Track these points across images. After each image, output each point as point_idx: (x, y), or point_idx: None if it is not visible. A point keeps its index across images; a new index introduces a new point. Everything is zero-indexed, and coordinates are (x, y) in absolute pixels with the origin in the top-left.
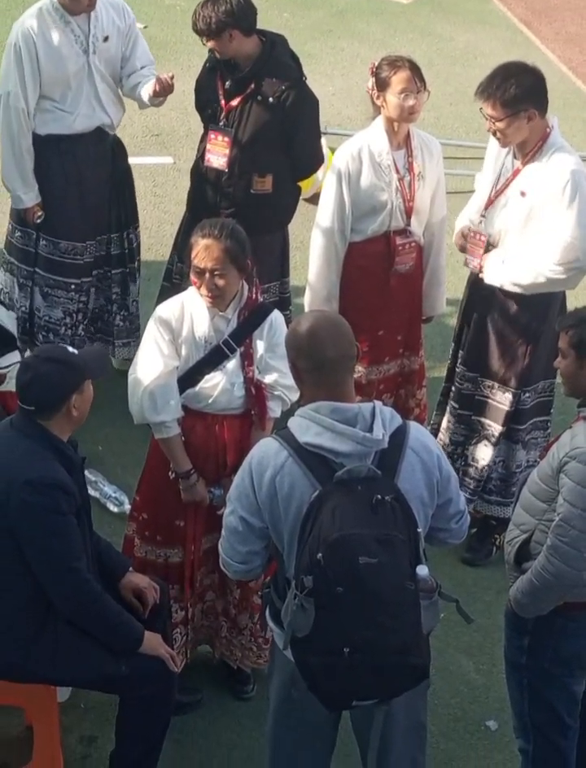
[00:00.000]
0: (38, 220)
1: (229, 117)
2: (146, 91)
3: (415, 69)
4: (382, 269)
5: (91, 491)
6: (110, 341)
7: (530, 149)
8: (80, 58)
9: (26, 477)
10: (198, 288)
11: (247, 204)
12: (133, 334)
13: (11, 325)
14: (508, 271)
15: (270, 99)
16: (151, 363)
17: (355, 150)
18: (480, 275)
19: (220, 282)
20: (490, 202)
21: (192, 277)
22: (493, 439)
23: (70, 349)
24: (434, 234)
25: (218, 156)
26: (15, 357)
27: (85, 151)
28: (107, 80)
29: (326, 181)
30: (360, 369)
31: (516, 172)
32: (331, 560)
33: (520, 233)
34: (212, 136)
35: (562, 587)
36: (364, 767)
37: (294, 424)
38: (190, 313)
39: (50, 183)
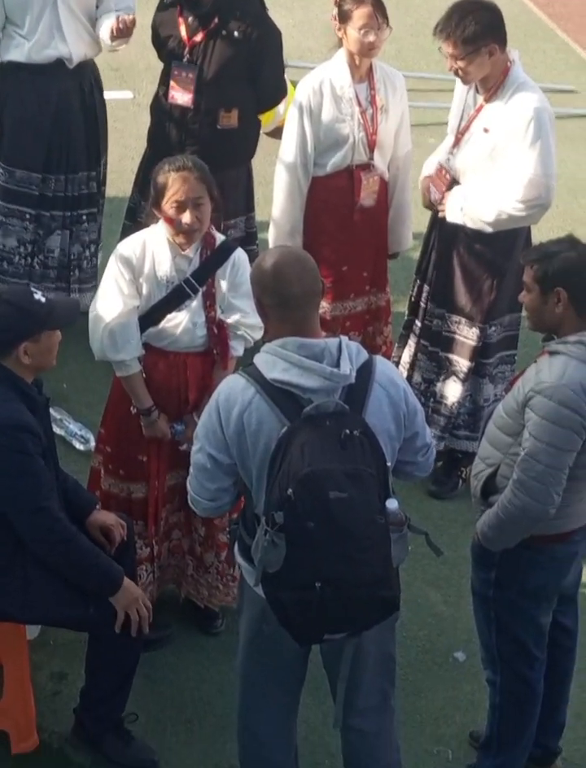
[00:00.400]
0: None
1: (192, 53)
2: (105, 31)
3: (378, 5)
4: (345, 204)
5: (56, 429)
6: (91, 287)
7: (492, 84)
8: None
9: None
10: (175, 225)
11: (213, 140)
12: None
13: None
14: (469, 209)
15: (235, 34)
16: (112, 301)
17: (316, 84)
18: (441, 213)
19: (203, 211)
20: (457, 141)
21: (168, 214)
22: (461, 375)
23: (38, 295)
24: (399, 168)
25: (183, 93)
26: None
27: (46, 82)
28: (76, 14)
29: (288, 116)
30: (324, 305)
31: (479, 109)
32: (302, 495)
33: (484, 170)
34: (176, 72)
35: (528, 521)
36: (334, 699)
37: (260, 360)
38: (151, 252)
39: (8, 110)
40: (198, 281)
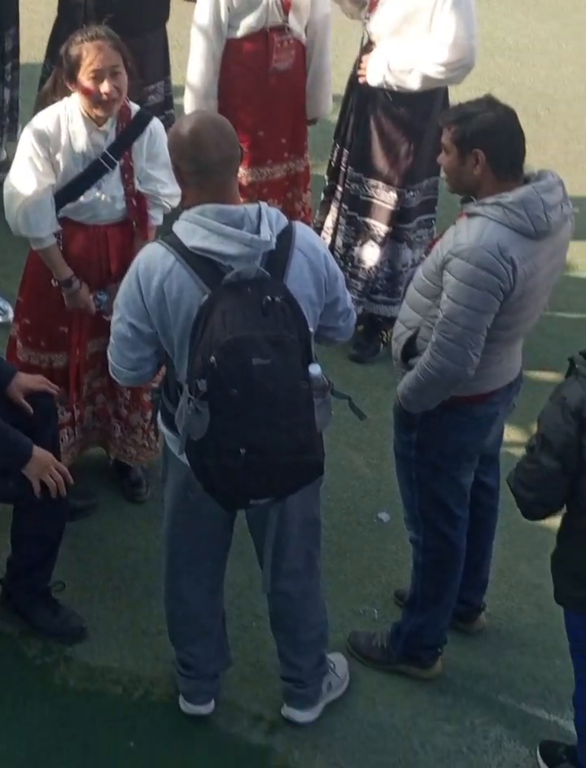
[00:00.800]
0: None
1: None
2: None
3: None
4: (260, 67)
5: None
6: None
7: None
8: None
9: None
10: (93, 96)
11: (130, 4)
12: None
13: None
14: (392, 74)
15: None
16: (26, 179)
17: None
18: (362, 78)
19: (120, 80)
20: (373, 6)
21: (85, 85)
22: (379, 239)
23: None
24: (316, 33)
25: None
26: None
27: None
28: None
29: None
30: (241, 171)
31: None
32: (224, 362)
33: (400, 33)
34: None
35: (446, 382)
36: (260, 563)
37: (179, 228)
38: (66, 127)
39: None
40: (115, 154)
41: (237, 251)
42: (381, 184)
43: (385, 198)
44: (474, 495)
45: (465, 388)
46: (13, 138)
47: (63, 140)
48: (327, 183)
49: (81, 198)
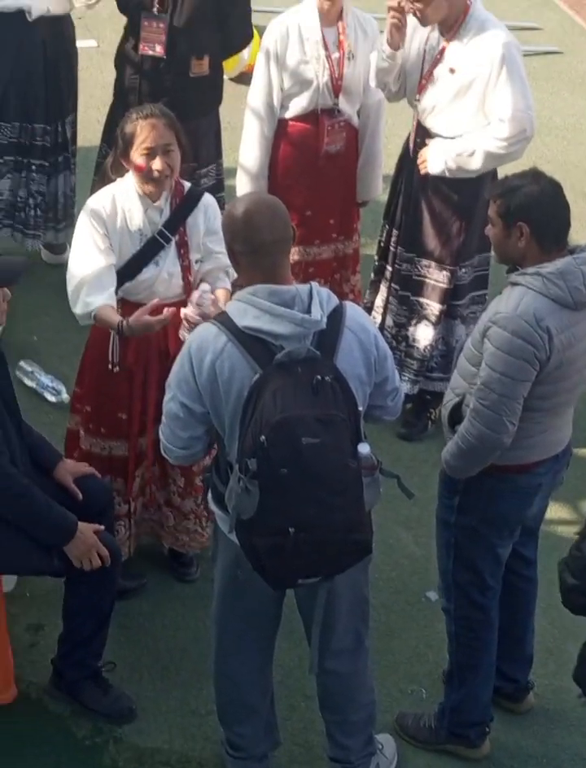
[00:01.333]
0: None
1: (162, 3)
2: None
3: None
4: (310, 148)
5: (28, 382)
6: (31, 234)
7: (453, 24)
8: None
9: None
10: (145, 172)
11: (186, 88)
12: (60, 223)
13: None
14: (453, 160)
15: None
16: (86, 258)
17: (283, 27)
18: (423, 170)
19: (173, 158)
20: (422, 88)
21: (138, 162)
22: (433, 318)
23: None
24: (369, 117)
25: (154, 44)
26: None
27: (4, 32)
28: None
29: (257, 60)
30: None
31: (443, 51)
32: (275, 441)
33: (450, 110)
34: (146, 24)
35: (484, 450)
36: (308, 642)
37: (232, 308)
38: (122, 206)
39: None
40: (171, 230)
41: (288, 331)
42: (433, 263)
43: (437, 277)
44: (510, 566)
45: (508, 456)
46: (72, 224)
47: (120, 218)
48: (376, 263)
49: (139, 276)
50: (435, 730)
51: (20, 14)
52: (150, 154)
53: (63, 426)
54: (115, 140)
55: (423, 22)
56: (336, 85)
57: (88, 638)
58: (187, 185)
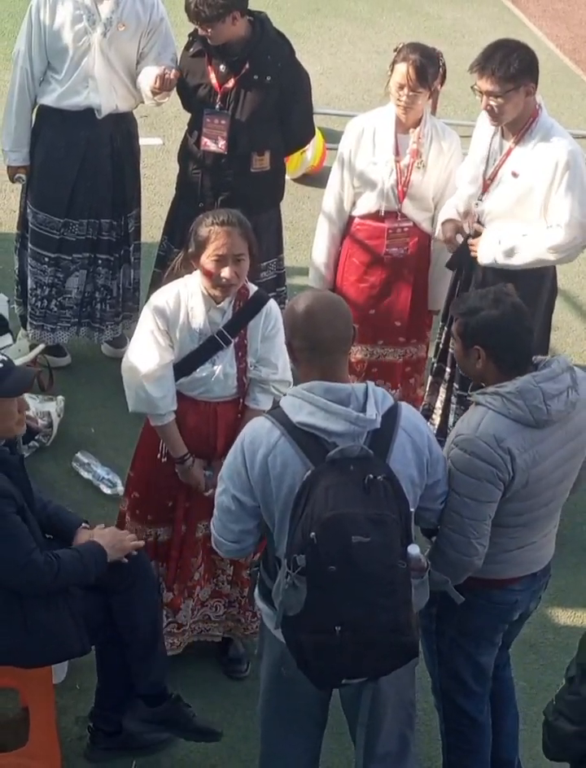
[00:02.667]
0: (17, 182)
1: (224, 100)
2: (147, 84)
3: (420, 67)
4: (373, 249)
5: (84, 473)
6: (97, 327)
7: (521, 127)
8: (86, 36)
9: None
10: (213, 279)
11: (247, 184)
12: (118, 318)
13: (4, 310)
14: (503, 256)
15: (268, 78)
16: (147, 354)
17: (359, 127)
18: (473, 253)
19: (242, 267)
20: (485, 188)
21: (208, 268)
22: None
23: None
24: None
25: (216, 140)
26: (6, 340)
27: (73, 130)
28: (113, 65)
29: (335, 162)
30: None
31: (508, 153)
32: (324, 538)
33: (512, 214)
34: (209, 120)
35: (457, 572)
36: (354, 744)
37: (286, 403)
38: (185, 304)
39: (37, 152)
40: (231, 332)
41: (342, 429)
42: None
43: None
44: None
45: (483, 571)
46: (133, 318)
47: (182, 316)
48: (435, 364)
49: (195, 373)
50: None
51: (89, 112)
52: (221, 261)
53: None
54: (187, 239)
55: (497, 120)
56: (401, 191)
57: (121, 700)
58: (253, 288)
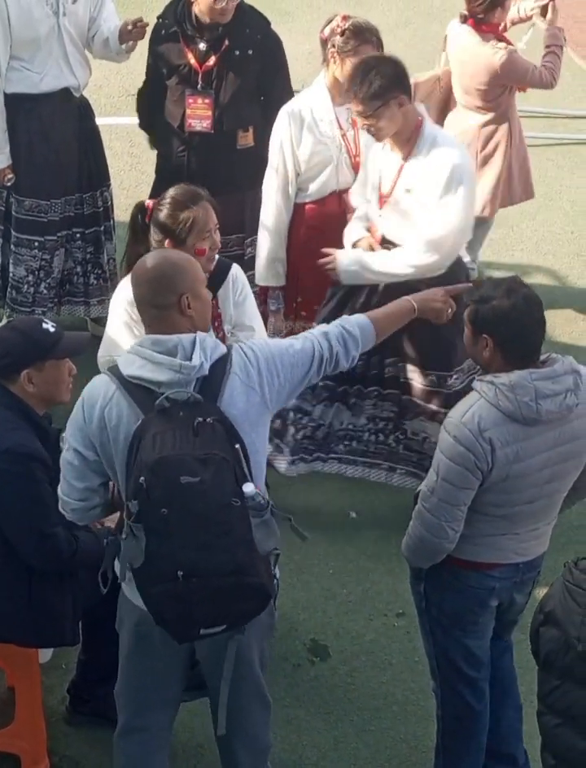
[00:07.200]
0: (9, 183)
1: (207, 78)
2: (115, 35)
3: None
4: (335, 229)
5: None
6: (81, 301)
7: (406, 141)
8: (51, 20)
9: (2, 447)
10: (206, 254)
11: (234, 161)
12: (108, 293)
13: None
14: (365, 271)
15: (249, 51)
16: (124, 347)
17: (295, 110)
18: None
19: (219, 235)
20: (382, 202)
21: (200, 247)
22: (429, 413)
23: (47, 325)
24: None
25: (201, 120)
26: None
27: (50, 111)
28: (75, 41)
29: (270, 144)
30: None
31: (400, 169)
32: (153, 482)
33: (409, 229)
34: (191, 101)
35: (425, 551)
36: (211, 704)
37: (122, 358)
38: None
39: (15, 142)
40: None
41: (168, 377)
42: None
43: (425, 382)
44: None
45: (460, 550)
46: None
47: None
48: None
49: None
50: None
51: (65, 91)
52: (212, 232)
53: None
54: (162, 227)
55: (378, 137)
56: (355, 163)
57: (107, 676)
58: (216, 257)
